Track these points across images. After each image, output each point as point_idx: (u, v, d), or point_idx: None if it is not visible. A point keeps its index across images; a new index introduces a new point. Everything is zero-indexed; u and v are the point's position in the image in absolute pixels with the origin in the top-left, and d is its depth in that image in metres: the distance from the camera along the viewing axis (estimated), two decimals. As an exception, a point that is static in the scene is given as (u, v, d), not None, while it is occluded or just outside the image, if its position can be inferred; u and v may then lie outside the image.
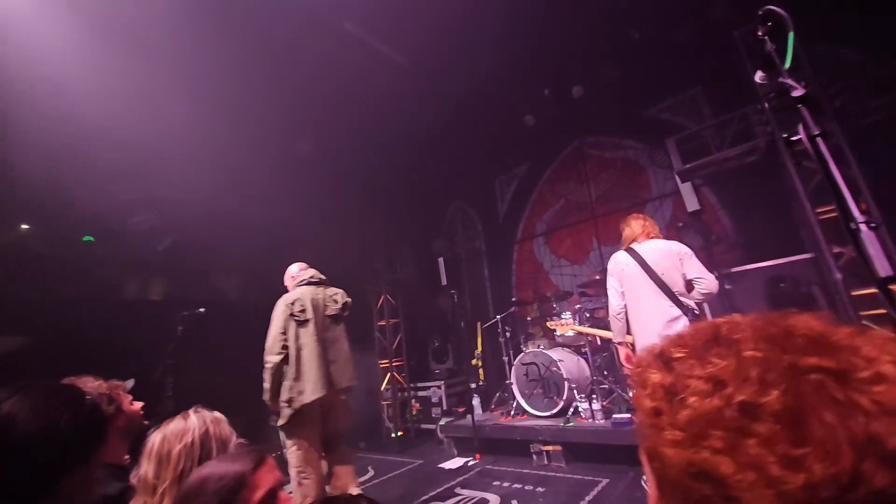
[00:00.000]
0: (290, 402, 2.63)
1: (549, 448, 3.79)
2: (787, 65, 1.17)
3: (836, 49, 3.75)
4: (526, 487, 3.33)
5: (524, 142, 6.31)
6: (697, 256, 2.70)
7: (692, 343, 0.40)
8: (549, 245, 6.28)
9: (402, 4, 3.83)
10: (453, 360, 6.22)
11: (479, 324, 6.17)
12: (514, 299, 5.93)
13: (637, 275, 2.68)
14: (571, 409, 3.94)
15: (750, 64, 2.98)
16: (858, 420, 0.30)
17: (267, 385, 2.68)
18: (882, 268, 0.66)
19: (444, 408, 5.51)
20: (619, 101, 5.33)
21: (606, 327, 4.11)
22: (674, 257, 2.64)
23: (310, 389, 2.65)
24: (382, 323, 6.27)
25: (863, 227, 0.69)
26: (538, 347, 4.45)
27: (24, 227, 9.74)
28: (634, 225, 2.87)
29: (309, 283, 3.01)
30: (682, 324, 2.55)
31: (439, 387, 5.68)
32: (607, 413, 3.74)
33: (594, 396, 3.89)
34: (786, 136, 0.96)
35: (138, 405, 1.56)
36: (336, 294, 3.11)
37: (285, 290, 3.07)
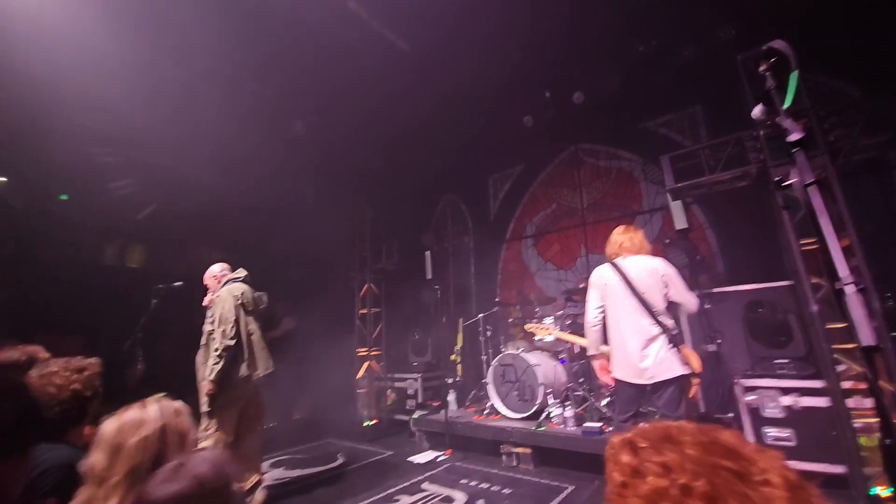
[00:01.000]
0: (247, 378, 3.07)
1: (519, 450, 3.84)
2: (788, 104, 1.16)
3: (834, 82, 3.80)
4: (493, 488, 3.37)
5: (521, 142, 6.26)
6: (681, 274, 2.73)
7: (652, 437, 0.56)
8: (538, 248, 6.30)
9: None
10: (432, 354, 6.23)
11: (461, 320, 6.18)
12: (497, 300, 5.94)
13: (619, 291, 2.69)
14: (544, 414, 3.99)
15: (751, 91, 2.99)
16: None
17: (219, 366, 2.95)
18: (864, 336, 0.66)
19: (420, 400, 5.53)
20: (619, 110, 5.32)
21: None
22: (657, 276, 2.66)
23: (262, 367, 3.16)
24: (364, 311, 6.24)
25: (848, 288, 0.68)
26: (518, 349, 4.48)
27: (1, 179, 9.33)
28: (622, 237, 2.86)
29: (244, 281, 3.39)
30: (660, 342, 2.57)
31: (416, 379, 5.69)
32: (579, 420, 3.80)
33: (568, 403, 3.94)
34: (778, 179, 0.95)
35: None
36: (259, 293, 3.51)
37: (235, 280, 3.35)
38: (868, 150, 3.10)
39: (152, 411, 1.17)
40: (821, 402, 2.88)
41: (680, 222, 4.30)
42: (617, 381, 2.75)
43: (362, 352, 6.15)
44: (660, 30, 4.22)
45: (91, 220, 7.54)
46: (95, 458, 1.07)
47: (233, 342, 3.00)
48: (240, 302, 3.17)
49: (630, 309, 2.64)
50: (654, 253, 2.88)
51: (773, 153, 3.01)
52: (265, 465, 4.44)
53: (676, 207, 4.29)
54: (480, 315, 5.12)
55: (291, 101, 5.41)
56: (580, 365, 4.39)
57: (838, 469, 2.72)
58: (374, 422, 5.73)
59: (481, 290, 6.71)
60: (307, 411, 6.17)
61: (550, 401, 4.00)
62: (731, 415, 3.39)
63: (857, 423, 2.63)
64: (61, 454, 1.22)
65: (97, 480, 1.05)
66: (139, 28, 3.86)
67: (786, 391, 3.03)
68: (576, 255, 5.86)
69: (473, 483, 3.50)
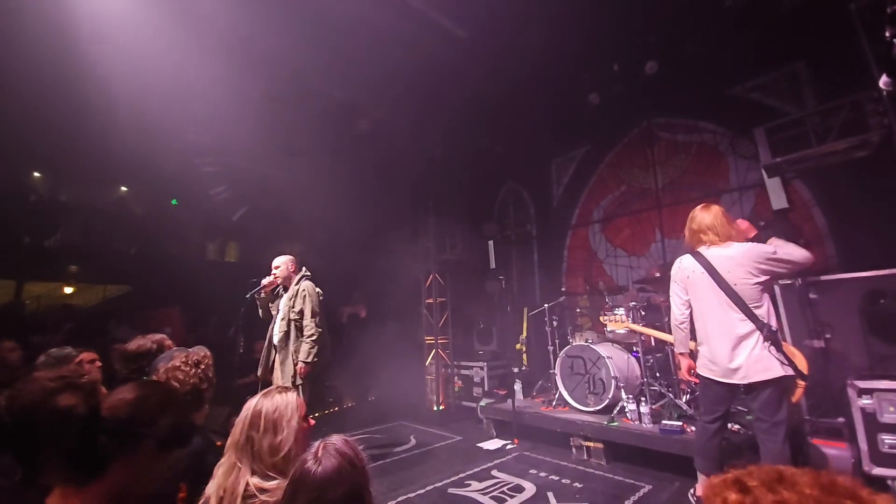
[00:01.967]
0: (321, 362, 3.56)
1: (591, 444, 3.75)
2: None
3: None
4: (563, 480, 3.34)
5: (586, 122, 5.91)
6: None
7: (762, 476, 0.56)
8: (606, 233, 5.96)
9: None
10: (497, 342, 6.26)
11: (525, 309, 6.11)
12: (563, 289, 5.77)
13: (704, 284, 2.44)
14: (617, 408, 3.84)
15: (869, 47, 2.49)
16: None
17: (315, 350, 3.45)
18: None
19: (486, 388, 5.62)
20: (700, 76, 4.74)
21: (662, 328, 3.90)
22: (748, 266, 2.36)
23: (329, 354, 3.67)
24: (430, 301, 6.43)
25: None
26: (586, 341, 4.34)
27: (123, 189, 11.05)
28: (703, 219, 2.51)
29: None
30: (755, 340, 2.30)
31: (482, 367, 5.78)
32: (656, 417, 3.60)
33: (643, 398, 3.75)
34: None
35: None
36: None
37: (308, 277, 3.76)
38: None
39: (291, 396, 1.29)
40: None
41: (778, 202, 3.77)
42: (703, 378, 2.53)
43: (430, 340, 6.37)
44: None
45: (196, 221, 8.68)
46: (250, 435, 1.19)
47: (320, 331, 3.51)
48: (321, 298, 3.66)
49: (717, 304, 2.39)
50: (742, 226, 2.56)
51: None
52: (346, 442, 4.86)
53: (774, 185, 3.77)
54: (546, 305, 5.01)
55: (357, 100, 5.64)
56: (655, 359, 4.13)
57: None
58: (442, 407, 5.95)
59: (545, 278, 6.55)
60: (380, 394, 6.58)
61: (623, 395, 3.83)
62: (841, 419, 2.98)
63: None
64: (197, 443, 1.44)
65: (252, 456, 1.17)
66: (221, 47, 4.27)
67: (912, 395, 2.59)
68: (650, 240, 5.46)
69: (543, 474, 3.50)
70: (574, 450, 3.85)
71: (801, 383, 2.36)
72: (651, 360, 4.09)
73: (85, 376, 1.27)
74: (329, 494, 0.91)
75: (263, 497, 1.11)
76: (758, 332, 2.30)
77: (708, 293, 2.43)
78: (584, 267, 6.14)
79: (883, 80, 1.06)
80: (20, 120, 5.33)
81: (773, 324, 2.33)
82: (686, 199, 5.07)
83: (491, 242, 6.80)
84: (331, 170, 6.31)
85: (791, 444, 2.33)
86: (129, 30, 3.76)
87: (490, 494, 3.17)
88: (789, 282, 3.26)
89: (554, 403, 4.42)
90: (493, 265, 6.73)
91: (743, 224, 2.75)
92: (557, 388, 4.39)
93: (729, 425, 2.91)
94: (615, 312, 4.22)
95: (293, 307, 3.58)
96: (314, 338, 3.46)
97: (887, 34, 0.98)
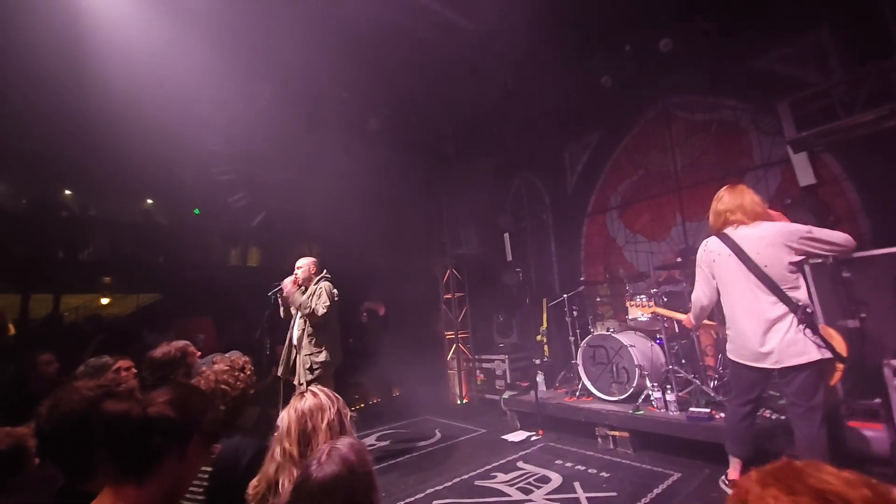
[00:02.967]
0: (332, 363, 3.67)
1: (616, 433, 3.72)
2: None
3: None
4: (590, 470, 3.33)
5: (599, 107, 5.78)
6: None
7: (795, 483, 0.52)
8: (624, 219, 5.85)
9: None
10: (517, 335, 6.25)
11: (544, 300, 6.07)
12: (582, 278, 5.69)
13: (732, 267, 2.35)
14: (642, 397, 3.79)
15: (892, 10, 2.35)
16: None
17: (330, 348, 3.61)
18: None
19: (508, 381, 5.63)
20: (718, 49, 4.54)
21: (686, 313, 3.80)
22: (780, 246, 2.24)
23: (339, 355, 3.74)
24: (448, 296, 6.46)
25: None
26: (608, 330, 4.28)
27: (149, 201, 11.48)
28: (729, 202, 2.43)
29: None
30: (788, 322, 2.20)
31: (503, 360, 5.79)
32: (682, 404, 3.53)
33: (668, 386, 3.69)
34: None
35: None
36: None
37: (319, 273, 3.82)
38: None
39: (324, 398, 1.29)
40: None
41: (805, 178, 3.61)
42: (734, 363, 2.47)
43: (450, 334, 6.41)
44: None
45: (217, 228, 8.94)
46: (289, 447, 1.20)
47: (325, 313, 3.56)
48: (337, 300, 3.70)
49: (746, 287, 2.31)
50: (773, 214, 2.46)
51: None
52: (373, 437, 4.96)
53: (800, 160, 3.60)
54: (565, 296, 4.96)
55: (369, 100, 5.68)
56: (680, 345, 4.04)
57: None
58: (466, 400, 6.00)
59: (564, 268, 6.48)
60: (404, 390, 6.67)
61: (648, 383, 3.77)
62: (877, 400, 2.86)
63: None
64: (252, 443, 1.52)
65: (291, 461, 1.18)
66: (238, 58, 4.36)
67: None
68: (670, 223, 5.32)
69: (569, 464, 3.50)
70: (600, 440, 3.83)
71: (840, 366, 2.26)
72: (676, 347, 4.01)
73: (122, 384, 1.35)
74: (325, 502, 0.91)
75: None
76: (791, 315, 2.21)
77: (737, 276, 2.35)
78: (602, 255, 6.04)
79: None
80: (50, 140, 5.59)
81: (809, 306, 2.23)
82: (707, 179, 4.91)
83: (507, 235, 6.76)
84: (345, 170, 6.38)
85: (827, 428, 2.26)
86: (147, 46, 3.87)
87: (517, 485, 3.18)
88: (820, 260, 3.12)
89: (577, 394, 4.39)
90: (509, 258, 6.69)
91: (774, 213, 2.63)
92: (580, 379, 4.36)
93: (760, 411, 2.83)
94: (638, 298, 4.14)
95: (308, 308, 3.65)
96: (319, 309, 3.52)
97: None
